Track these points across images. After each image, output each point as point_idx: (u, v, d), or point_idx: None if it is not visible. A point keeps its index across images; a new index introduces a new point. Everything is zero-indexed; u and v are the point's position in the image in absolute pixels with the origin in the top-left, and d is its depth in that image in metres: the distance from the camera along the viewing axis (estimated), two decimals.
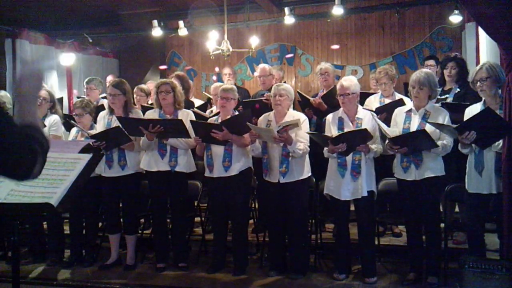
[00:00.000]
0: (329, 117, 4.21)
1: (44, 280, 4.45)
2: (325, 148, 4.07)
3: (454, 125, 3.64)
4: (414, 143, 3.80)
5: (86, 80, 6.00)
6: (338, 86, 4.11)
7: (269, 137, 4.05)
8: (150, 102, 5.09)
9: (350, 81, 4.08)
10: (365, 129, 3.87)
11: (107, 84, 6.26)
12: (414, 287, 3.94)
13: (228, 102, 4.33)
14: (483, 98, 3.74)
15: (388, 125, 4.07)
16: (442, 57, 5.87)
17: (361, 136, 3.89)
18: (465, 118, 3.75)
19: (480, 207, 3.78)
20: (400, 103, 4.42)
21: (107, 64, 8.80)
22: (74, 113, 4.77)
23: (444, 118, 3.83)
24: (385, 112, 4.47)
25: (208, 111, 5.53)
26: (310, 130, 4.32)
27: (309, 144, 4.16)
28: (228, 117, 4.27)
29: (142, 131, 4.23)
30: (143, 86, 5.86)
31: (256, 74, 6.59)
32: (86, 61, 8.33)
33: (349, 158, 4.00)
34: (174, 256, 4.60)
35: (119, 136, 4.36)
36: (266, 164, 4.23)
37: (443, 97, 4.58)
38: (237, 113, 4.49)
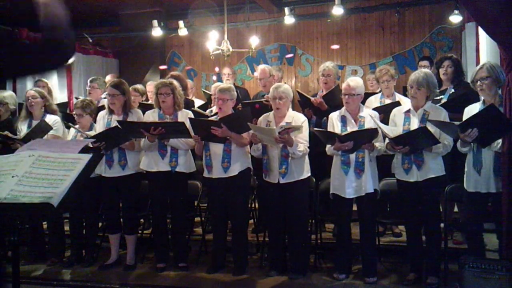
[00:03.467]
0: (332, 115, 4.22)
1: (44, 280, 4.45)
2: (328, 146, 4.08)
3: (457, 122, 3.62)
4: (416, 142, 3.79)
5: (90, 79, 6.02)
6: (344, 86, 4.11)
7: (269, 138, 4.04)
8: (150, 102, 5.09)
9: (356, 82, 4.09)
10: (375, 129, 3.88)
11: (107, 84, 6.29)
12: (414, 287, 3.94)
13: (225, 104, 4.32)
14: (482, 98, 3.74)
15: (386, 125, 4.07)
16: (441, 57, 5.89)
17: (369, 135, 3.91)
18: (465, 117, 3.75)
19: (478, 206, 3.78)
20: (397, 105, 4.42)
21: (107, 64, 8.80)
22: (74, 113, 4.76)
23: (444, 118, 3.83)
24: (382, 114, 4.47)
25: (208, 110, 5.53)
26: (310, 130, 4.31)
27: (308, 145, 4.16)
28: (227, 114, 4.27)
29: (144, 133, 4.23)
30: (137, 86, 5.90)
31: (256, 75, 6.58)
32: (86, 61, 8.33)
33: (352, 155, 4.01)
34: (174, 256, 4.60)
35: (119, 136, 4.36)
36: (266, 165, 4.23)
37: (438, 98, 4.58)
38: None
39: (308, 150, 4.15)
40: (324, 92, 5.08)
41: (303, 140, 4.13)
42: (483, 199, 3.74)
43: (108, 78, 6.69)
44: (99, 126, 4.60)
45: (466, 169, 3.84)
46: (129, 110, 4.58)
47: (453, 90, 4.68)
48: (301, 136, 4.12)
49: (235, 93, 4.46)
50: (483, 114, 3.48)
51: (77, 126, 4.71)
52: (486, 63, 3.73)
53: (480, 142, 3.60)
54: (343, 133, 3.92)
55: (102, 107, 5.07)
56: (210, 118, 4.56)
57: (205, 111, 5.41)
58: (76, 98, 6.23)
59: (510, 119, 3.46)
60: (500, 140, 3.59)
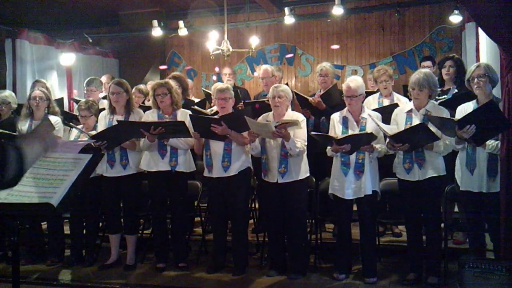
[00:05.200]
0: (334, 117, 4.22)
1: (44, 280, 4.45)
2: (328, 147, 4.08)
3: (456, 118, 3.61)
4: (415, 139, 3.79)
5: (86, 82, 5.96)
6: (344, 88, 4.09)
7: (267, 133, 4.04)
8: (149, 103, 5.09)
9: (356, 82, 4.07)
10: (371, 133, 3.87)
11: (103, 84, 6.28)
12: (414, 287, 3.94)
13: (227, 103, 4.34)
14: (477, 97, 3.74)
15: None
16: (442, 57, 5.89)
17: (366, 138, 3.90)
18: (457, 115, 3.77)
19: (472, 205, 3.79)
20: (395, 107, 4.42)
21: (107, 64, 8.80)
22: (79, 115, 4.76)
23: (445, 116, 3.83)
24: (380, 115, 4.47)
25: (208, 110, 5.53)
26: (308, 130, 4.32)
27: (306, 144, 4.16)
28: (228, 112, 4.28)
29: (144, 133, 4.24)
30: (141, 86, 5.86)
31: (257, 74, 6.58)
32: (86, 61, 8.32)
33: (352, 157, 4.00)
34: (174, 256, 4.60)
35: (119, 135, 4.36)
36: (264, 164, 4.23)
37: (441, 97, 4.59)
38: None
39: (305, 148, 4.15)
40: (322, 92, 5.08)
41: (301, 138, 4.13)
42: (475, 198, 3.75)
43: (104, 79, 6.65)
44: (101, 126, 4.60)
45: (458, 167, 3.85)
46: (131, 110, 4.59)
47: (456, 90, 4.69)
48: (298, 135, 4.12)
49: (233, 92, 4.48)
50: (482, 110, 3.47)
51: (79, 126, 4.72)
52: (481, 63, 3.78)
53: (475, 139, 3.58)
54: (339, 137, 3.92)
55: (102, 109, 5.06)
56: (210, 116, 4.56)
57: (204, 108, 5.42)
58: (75, 101, 6.21)
59: (507, 117, 3.46)
60: (495, 142, 3.59)
